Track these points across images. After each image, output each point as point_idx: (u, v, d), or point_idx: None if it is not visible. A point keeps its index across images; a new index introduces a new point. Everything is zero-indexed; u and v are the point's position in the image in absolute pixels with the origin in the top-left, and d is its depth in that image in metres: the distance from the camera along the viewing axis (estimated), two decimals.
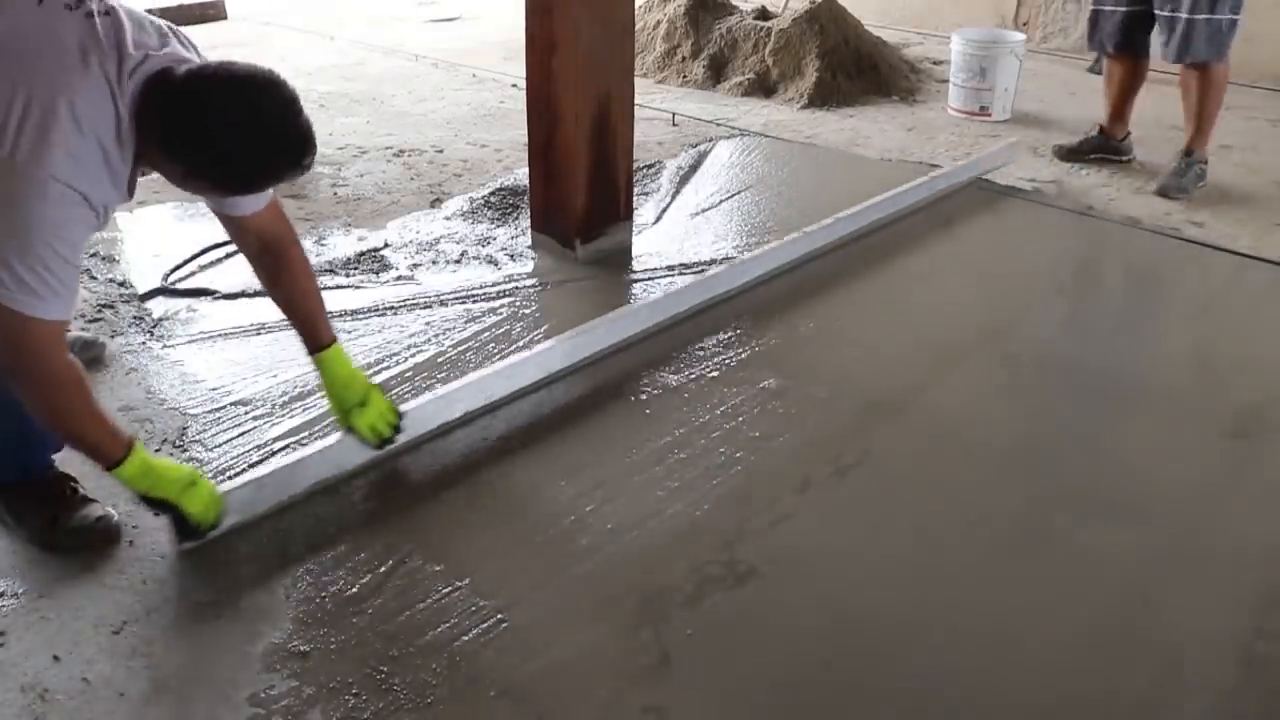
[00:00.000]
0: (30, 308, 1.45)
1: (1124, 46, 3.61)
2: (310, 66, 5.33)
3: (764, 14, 5.14)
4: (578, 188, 2.90)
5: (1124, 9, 3.52)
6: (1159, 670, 1.61)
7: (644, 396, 2.31)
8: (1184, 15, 3.33)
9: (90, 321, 2.60)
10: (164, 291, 2.79)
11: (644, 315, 2.55)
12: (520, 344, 2.50)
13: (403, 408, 2.05)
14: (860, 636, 1.67)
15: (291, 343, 2.48)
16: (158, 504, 1.72)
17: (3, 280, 1.42)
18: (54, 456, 1.88)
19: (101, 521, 1.82)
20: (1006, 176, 3.72)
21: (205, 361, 2.44)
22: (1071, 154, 3.88)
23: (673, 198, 3.49)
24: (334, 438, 2.00)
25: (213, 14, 6.67)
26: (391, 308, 2.68)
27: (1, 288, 1.43)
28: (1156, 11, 3.41)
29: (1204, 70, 3.42)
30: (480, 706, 1.53)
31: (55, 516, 1.78)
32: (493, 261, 2.99)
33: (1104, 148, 3.84)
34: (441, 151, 3.99)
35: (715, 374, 2.39)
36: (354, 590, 1.74)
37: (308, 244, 3.10)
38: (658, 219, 3.33)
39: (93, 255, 2.98)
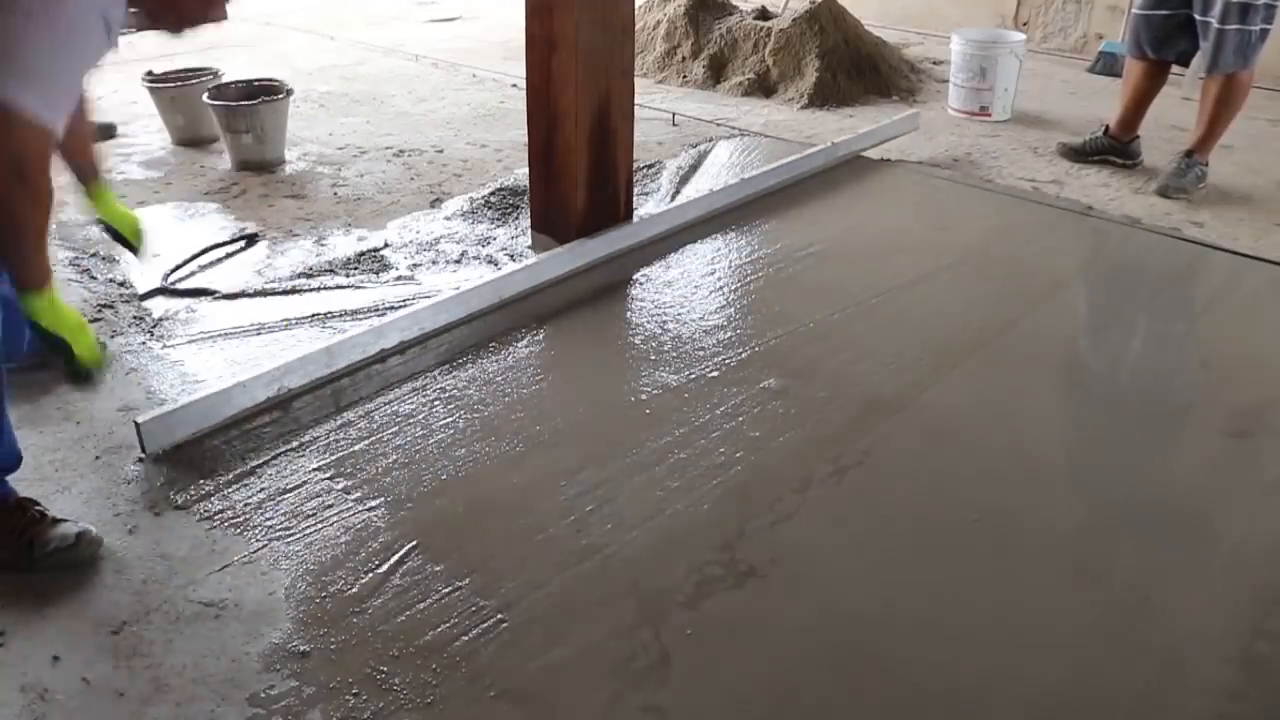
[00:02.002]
0: (40, 113, 1.54)
1: (1162, 51, 3.56)
2: (310, 66, 5.33)
3: (764, 14, 5.14)
4: (578, 188, 2.90)
5: (1163, 12, 3.48)
6: (1159, 670, 1.61)
7: (644, 396, 2.31)
8: (1215, 24, 3.30)
9: (90, 321, 2.60)
10: (164, 291, 2.79)
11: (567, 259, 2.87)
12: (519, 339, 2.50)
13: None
14: (860, 636, 1.68)
15: (291, 343, 2.50)
16: (51, 341, 1.79)
17: (21, 86, 1.51)
18: (10, 481, 1.83)
19: (83, 538, 1.79)
20: (1007, 176, 3.73)
21: (205, 361, 2.44)
22: (1075, 154, 3.88)
23: (673, 198, 3.49)
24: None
25: None
26: (392, 307, 2.68)
27: (21, 92, 1.51)
28: (1197, 17, 3.37)
29: (1228, 77, 3.39)
30: (480, 706, 1.53)
31: (31, 541, 1.76)
32: (493, 261, 2.99)
33: (1110, 149, 3.83)
34: (441, 151, 3.99)
35: (715, 374, 2.39)
36: (354, 590, 1.74)
37: (308, 244, 3.11)
38: None
39: (93, 255, 2.98)
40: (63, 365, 1.86)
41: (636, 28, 4.25)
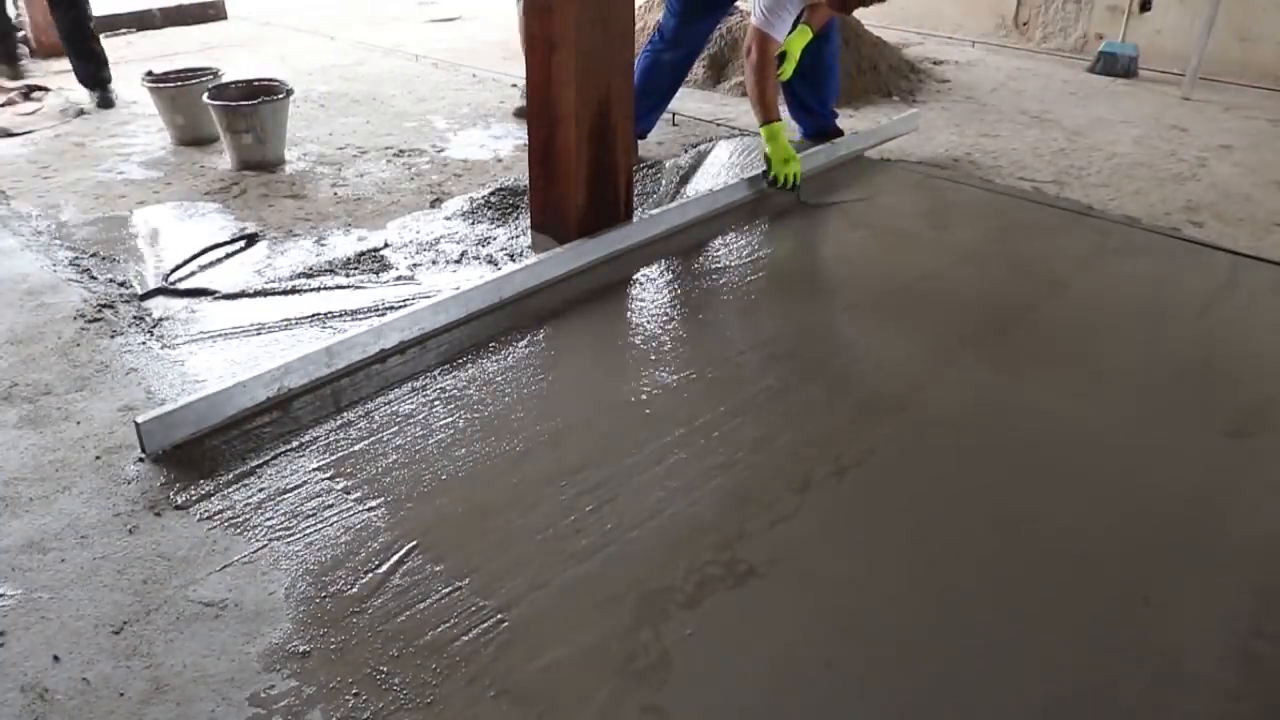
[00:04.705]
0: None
1: None
2: (310, 66, 5.33)
3: None
4: (578, 188, 2.90)
5: None
6: (1159, 670, 1.61)
7: (644, 396, 2.31)
8: None
9: (90, 321, 2.60)
10: (164, 291, 2.79)
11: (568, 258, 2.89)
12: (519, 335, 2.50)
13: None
14: (860, 636, 1.67)
15: (291, 343, 2.50)
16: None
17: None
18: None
19: None
20: (1007, 176, 3.73)
21: (205, 361, 2.44)
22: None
23: (673, 198, 3.49)
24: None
25: (213, 14, 6.68)
26: (392, 307, 2.68)
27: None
28: None
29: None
30: (480, 706, 1.53)
31: None
32: (493, 261, 2.99)
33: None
34: (442, 151, 3.99)
35: (715, 374, 2.39)
36: (354, 590, 1.74)
37: (308, 244, 3.11)
38: None
39: (93, 255, 2.98)
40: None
41: (636, 28, 4.25)
